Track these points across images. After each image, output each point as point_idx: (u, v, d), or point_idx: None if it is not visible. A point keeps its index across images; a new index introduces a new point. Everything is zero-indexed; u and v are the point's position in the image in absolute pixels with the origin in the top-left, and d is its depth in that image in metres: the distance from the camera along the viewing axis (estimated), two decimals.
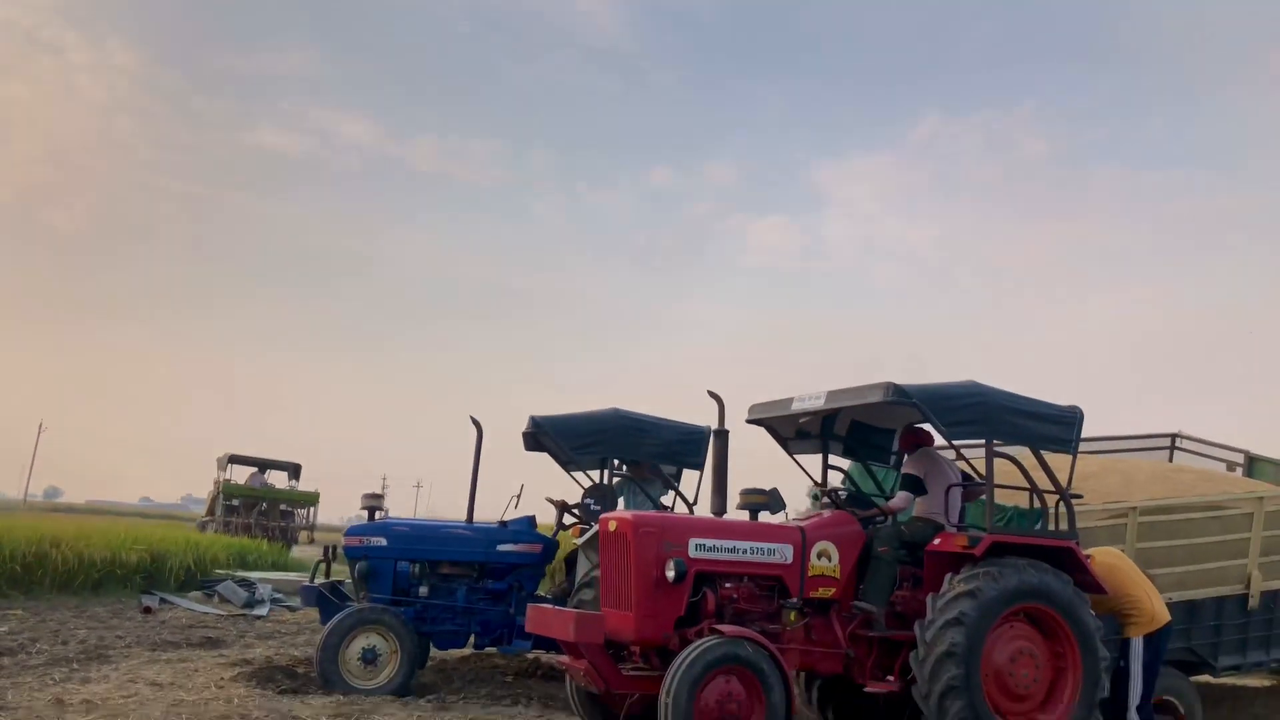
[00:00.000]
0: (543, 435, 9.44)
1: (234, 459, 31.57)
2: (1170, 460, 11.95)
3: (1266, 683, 11.11)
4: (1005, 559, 6.77)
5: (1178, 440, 12.01)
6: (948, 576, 6.77)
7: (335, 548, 9.80)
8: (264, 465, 32.05)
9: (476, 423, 9.54)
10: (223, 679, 8.10)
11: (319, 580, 9.26)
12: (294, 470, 32.27)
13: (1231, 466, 11.48)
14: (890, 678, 7.01)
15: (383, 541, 8.97)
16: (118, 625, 11.45)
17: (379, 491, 9.73)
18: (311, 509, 31.34)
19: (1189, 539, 9.04)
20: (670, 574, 6.42)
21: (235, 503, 30.10)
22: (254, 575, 16.23)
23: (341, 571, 10.64)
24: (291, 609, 14.72)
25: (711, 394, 7.45)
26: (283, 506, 30.69)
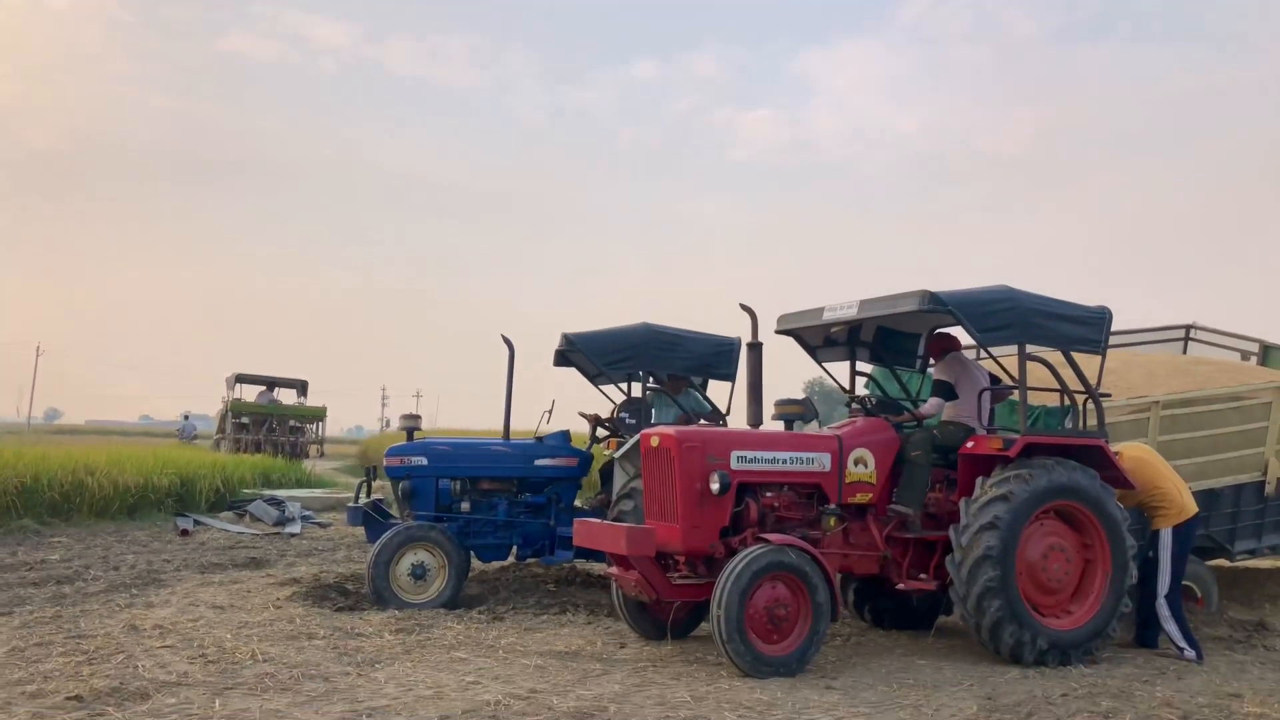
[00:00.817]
0: (574, 352, 9.60)
1: (241, 378, 31.93)
2: (1185, 352, 12.12)
3: (1277, 564, 11.49)
4: (1035, 459, 6.98)
5: (1192, 331, 12.16)
6: (980, 480, 7.00)
7: (376, 467, 10.01)
8: (272, 383, 32.43)
9: (508, 341, 9.66)
10: (279, 599, 8.39)
11: (362, 500, 9.49)
12: (301, 387, 32.68)
13: (1246, 356, 11.65)
14: (924, 576, 7.30)
15: (423, 461, 9.17)
16: (160, 549, 11.76)
17: (414, 414, 9.86)
18: (319, 423, 31.82)
19: (1210, 430, 9.27)
20: (715, 486, 6.63)
21: (245, 420, 30.53)
22: (281, 494, 16.56)
23: (381, 490, 10.92)
24: (323, 525, 15.09)
25: (744, 307, 7.54)
26: (292, 422, 31.12)
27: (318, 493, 18.19)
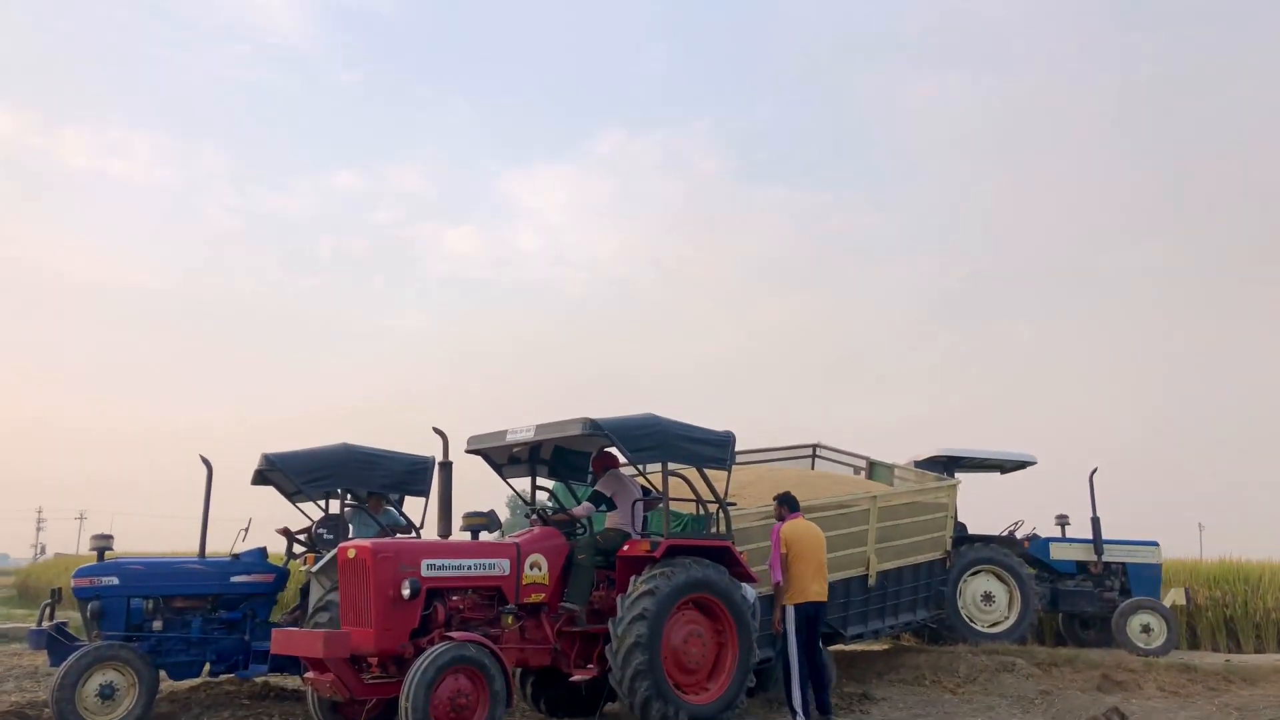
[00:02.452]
0: (273, 471, 10.12)
1: None
2: (813, 466, 14.39)
3: (885, 646, 13.72)
4: (678, 559, 8.44)
5: (818, 450, 14.48)
6: (633, 577, 8.35)
7: (60, 590, 9.98)
8: None
9: (206, 462, 10.06)
10: None
11: (45, 623, 9.44)
12: None
13: (858, 470, 14.04)
14: (590, 665, 8.49)
15: (115, 580, 9.33)
16: None
17: (106, 534, 9.95)
18: None
19: (824, 533, 11.21)
20: (406, 592, 7.53)
21: None
22: None
23: (63, 615, 10.76)
24: None
25: (436, 430, 8.62)
26: None
27: None
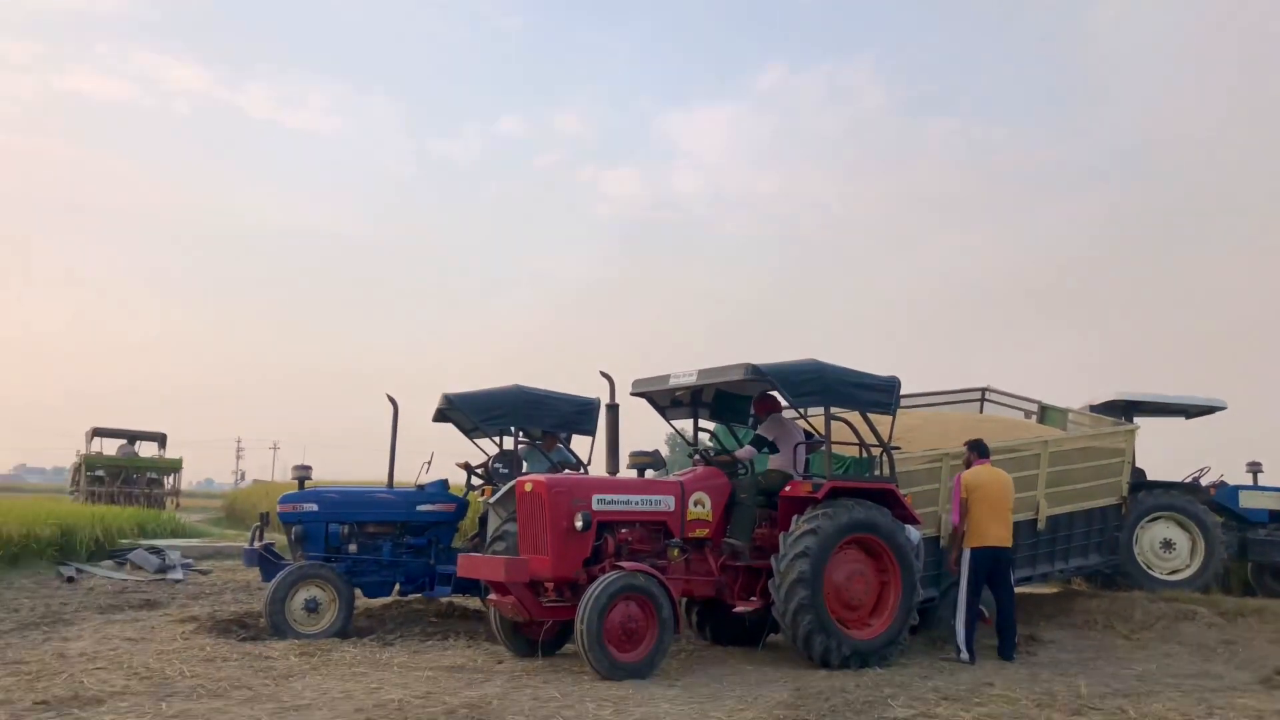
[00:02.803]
0: (452, 410, 10.80)
1: (99, 431, 31.87)
2: (981, 410, 14.15)
3: (1055, 589, 13.49)
4: (840, 500, 8.58)
5: (987, 393, 14.21)
6: (795, 517, 8.55)
7: (268, 514, 10.98)
8: (132, 436, 32.42)
9: (393, 400, 10.81)
10: (184, 632, 9.27)
11: (256, 544, 10.42)
12: (161, 439, 32.72)
13: (1028, 415, 13.73)
14: (753, 598, 8.78)
15: (314, 507, 10.21)
16: (50, 595, 12.31)
17: (305, 464, 10.87)
18: (175, 475, 31.95)
19: None
20: (579, 524, 7.98)
21: (100, 473, 30.43)
22: (161, 543, 17.05)
23: (272, 535, 11.83)
24: (203, 573, 15.71)
25: (604, 374, 8.99)
26: (150, 475, 31.18)
27: (194, 542, 18.68)
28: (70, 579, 13.84)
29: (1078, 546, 11.98)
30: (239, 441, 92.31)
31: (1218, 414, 14.50)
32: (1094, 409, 13.89)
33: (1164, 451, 16.34)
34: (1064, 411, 13.37)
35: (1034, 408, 13.72)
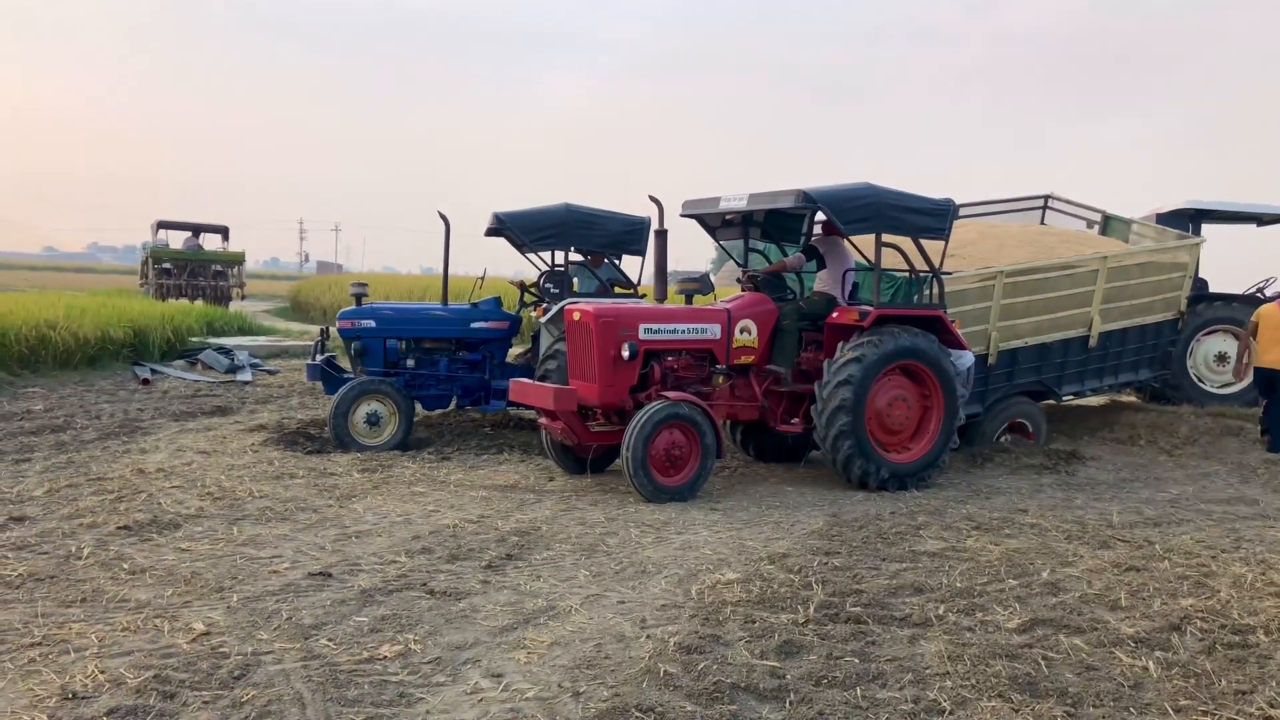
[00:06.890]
0: (504, 228, 10.84)
1: (163, 224, 32.51)
2: (1043, 220, 13.81)
3: (1102, 401, 13.56)
4: (885, 328, 8.60)
5: (1050, 201, 13.82)
6: (840, 344, 8.61)
7: (328, 329, 11.30)
8: (196, 229, 33.10)
9: (444, 218, 10.85)
10: (254, 444, 9.79)
11: (318, 358, 10.80)
12: (224, 232, 33.36)
13: (1091, 225, 13.37)
14: (795, 421, 8.99)
15: (372, 324, 10.49)
16: (128, 398, 12.99)
17: (362, 281, 11.09)
18: (239, 267, 32.73)
19: (1045, 294, 10.98)
20: (625, 353, 8.14)
21: (167, 265, 31.28)
22: (229, 342, 17.71)
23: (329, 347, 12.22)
24: (271, 373, 16.39)
25: (652, 199, 8.90)
26: (215, 267, 31.99)
27: (261, 340, 19.37)
28: (145, 381, 14.52)
29: (1129, 362, 11.95)
30: (301, 223, 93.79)
31: None
32: (1160, 218, 13.50)
33: (1232, 261, 15.93)
34: (1127, 222, 13.01)
35: (1097, 217, 13.35)
